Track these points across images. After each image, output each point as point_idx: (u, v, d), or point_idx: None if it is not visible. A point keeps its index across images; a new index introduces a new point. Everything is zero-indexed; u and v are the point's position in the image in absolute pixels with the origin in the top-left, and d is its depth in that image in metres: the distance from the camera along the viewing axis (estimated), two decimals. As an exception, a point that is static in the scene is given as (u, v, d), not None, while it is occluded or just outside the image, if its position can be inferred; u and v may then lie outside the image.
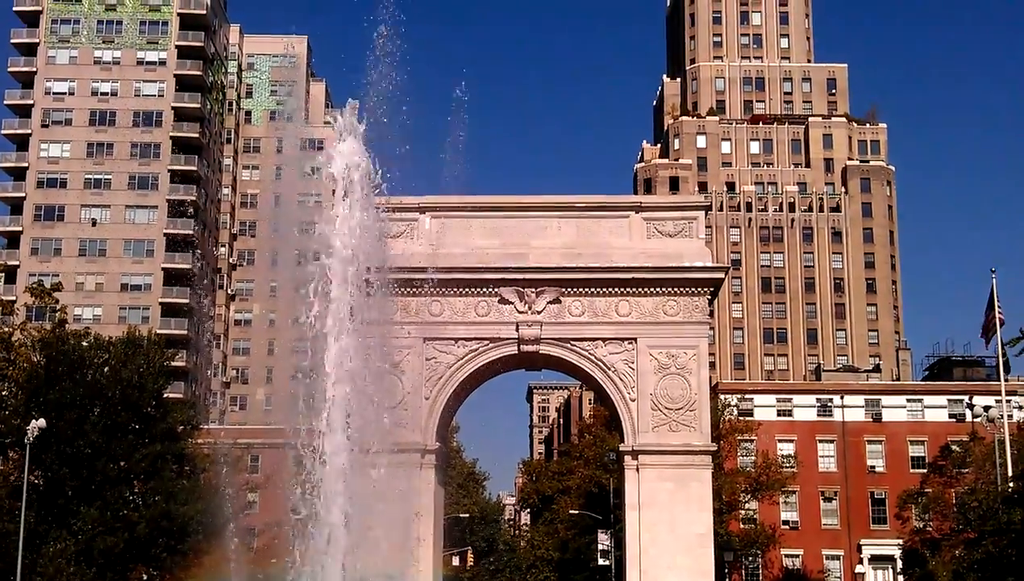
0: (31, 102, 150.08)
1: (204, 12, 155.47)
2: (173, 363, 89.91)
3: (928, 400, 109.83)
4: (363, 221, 35.40)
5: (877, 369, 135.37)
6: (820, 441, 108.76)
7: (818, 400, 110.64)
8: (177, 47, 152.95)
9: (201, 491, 66.38)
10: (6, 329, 70.39)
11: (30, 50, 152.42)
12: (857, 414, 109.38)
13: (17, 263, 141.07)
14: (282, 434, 36.05)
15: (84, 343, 69.37)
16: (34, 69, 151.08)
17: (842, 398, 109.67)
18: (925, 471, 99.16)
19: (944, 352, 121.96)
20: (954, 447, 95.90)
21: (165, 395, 72.53)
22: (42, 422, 58.21)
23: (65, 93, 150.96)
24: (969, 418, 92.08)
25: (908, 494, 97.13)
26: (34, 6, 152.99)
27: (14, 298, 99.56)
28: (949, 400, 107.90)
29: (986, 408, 78.26)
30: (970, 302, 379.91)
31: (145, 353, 69.76)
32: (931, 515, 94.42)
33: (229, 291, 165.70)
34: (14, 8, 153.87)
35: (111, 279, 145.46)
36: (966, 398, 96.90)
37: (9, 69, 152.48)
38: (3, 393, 66.83)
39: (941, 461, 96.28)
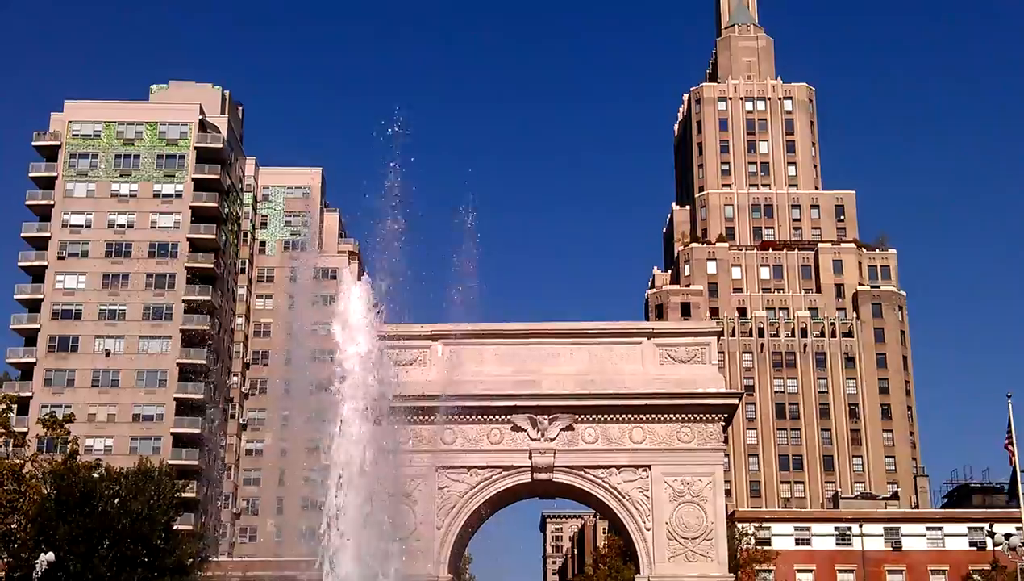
0: (48, 234, 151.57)
1: (220, 146, 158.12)
2: (183, 494, 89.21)
3: (948, 528, 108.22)
4: (375, 353, 35.51)
5: (896, 496, 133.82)
6: (840, 570, 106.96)
7: (836, 528, 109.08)
8: (193, 180, 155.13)
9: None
10: (17, 461, 70.20)
11: (48, 183, 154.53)
12: (877, 543, 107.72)
13: (30, 394, 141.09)
14: (292, 566, 35.64)
15: (95, 475, 69.10)
16: (52, 202, 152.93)
17: (861, 526, 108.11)
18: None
19: (962, 479, 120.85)
20: (976, 576, 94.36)
21: (175, 527, 71.92)
22: (51, 556, 57.65)
23: (82, 225, 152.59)
24: (990, 546, 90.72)
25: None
26: (53, 141, 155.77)
27: (26, 430, 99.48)
28: (969, 528, 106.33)
29: (1007, 536, 77.15)
30: (987, 427, 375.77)
31: (156, 484, 69.42)
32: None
33: (241, 420, 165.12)
34: (33, 143, 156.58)
35: (123, 410, 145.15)
36: (986, 526, 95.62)
37: (27, 202, 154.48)
38: (12, 526, 66.34)
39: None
